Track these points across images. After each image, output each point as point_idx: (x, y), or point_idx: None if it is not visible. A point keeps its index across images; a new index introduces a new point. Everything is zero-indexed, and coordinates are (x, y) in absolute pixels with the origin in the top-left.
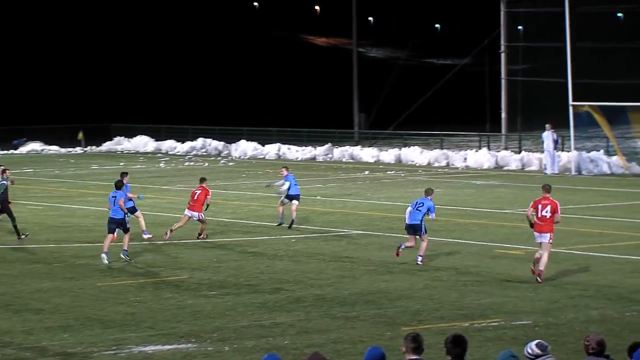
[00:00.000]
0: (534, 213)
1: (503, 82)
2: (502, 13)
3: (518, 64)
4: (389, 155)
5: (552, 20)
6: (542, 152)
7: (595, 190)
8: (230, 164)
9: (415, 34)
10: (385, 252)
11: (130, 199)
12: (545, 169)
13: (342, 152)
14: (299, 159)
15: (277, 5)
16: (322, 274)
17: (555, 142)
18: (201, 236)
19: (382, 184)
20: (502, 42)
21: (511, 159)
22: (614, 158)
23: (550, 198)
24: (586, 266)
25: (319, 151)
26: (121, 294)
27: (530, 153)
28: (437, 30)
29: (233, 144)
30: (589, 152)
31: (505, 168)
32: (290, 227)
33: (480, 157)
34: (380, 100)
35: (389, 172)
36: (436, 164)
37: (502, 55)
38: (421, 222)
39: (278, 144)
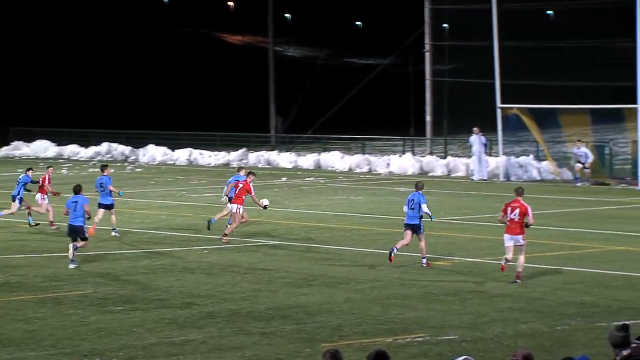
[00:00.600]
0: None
1: (428, 83)
2: (426, 10)
3: (444, 64)
4: (307, 160)
5: (479, 18)
6: (470, 157)
7: (525, 197)
8: (138, 170)
9: (335, 32)
10: (304, 263)
11: (111, 195)
12: (473, 174)
13: (257, 158)
14: (212, 165)
15: (187, 1)
16: (236, 287)
17: (485, 146)
18: (225, 238)
19: (301, 191)
20: (427, 40)
21: (437, 165)
22: (544, 163)
23: (521, 201)
24: (515, 277)
25: (233, 156)
26: (19, 310)
27: (456, 158)
28: (358, 28)
29: (141, 149)
30: (518, 157)
31: (431, 174)
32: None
33: (404, 163)
34: (299, 102)
35: (307, 179)
36: (358, 170)
37: (427, 55)
38: (420, 221)
39: (189, 149)
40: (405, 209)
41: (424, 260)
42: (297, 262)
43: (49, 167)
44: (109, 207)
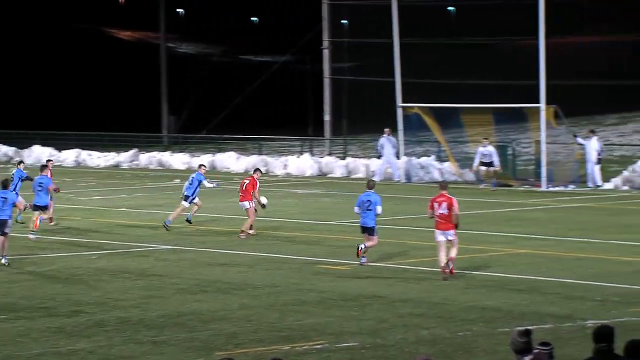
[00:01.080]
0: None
1: (326, 81)
2: (324, 6)
3: (343, 61)
4: (201, 161)
5: (379, 14)
6: (371, 158)
7: (427, 199)
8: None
9: (231, 28)
10: (198, 268)
11: (48, 195)
12: (375, 175)
13: (149, 159)
14: (101, 166)
15: None
16: (126, 294)
17: (395, 147)
18: (249, 232)
19: None
20: (325, 37)
21: (336, 166)
22: (446, 164)
23: (447, 195)
24: (417, 281)
25: (123, 157)
26: None
27: (356, 159)
28: (254, 24)
29: (25, 150)
30: (419, 157)
31: (330, 175)
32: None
33: (302, 164)
34: (192, 101)
35: None
36: None
37: (325, 52)
38: (375, 223)
39: (77, 150)
40: (356, 210)
41: (364, 259)
42: (191, 267)
43: (48, 160)
44: (43, 208)
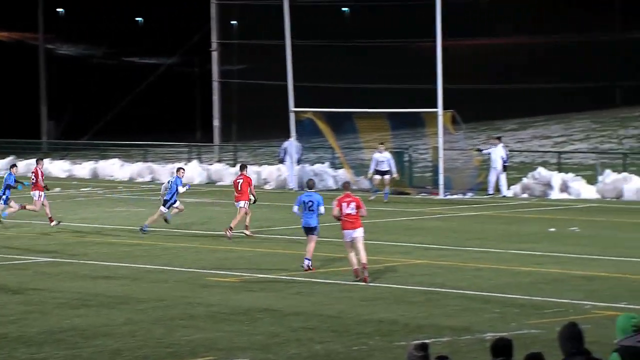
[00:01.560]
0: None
1: (215, 84)
2: (213, 5)
3: (232, 64)
4: (83, 169)
5: (270, 15)
6: (262, 165)
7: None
8: None
9: (114, 29)
10: (79, 282)
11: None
12: (292, 185)
13: (27, 166)
14: None
15: None
16: (3, 309)
17: (297, 153)
18: (246, 232)
19: (77, 202)
20: (214, 38)
21: (226, 173)
22: (341, 171)
23: (352, 195)
24: (310, 294)
25: (0, 165)
26: None
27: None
28: (139, 24)
29: None
30: (312, 165)
31: (219, 184)
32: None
33: (190, 171)
34: (72, 105)
35: (83, 189)
36: (139, 179)
37: (214, 54)
38: (318, 222)
39: None
40: (295, 209)
41: (307, 262)
42: (72, 280)
43: (38, 159)
44: None
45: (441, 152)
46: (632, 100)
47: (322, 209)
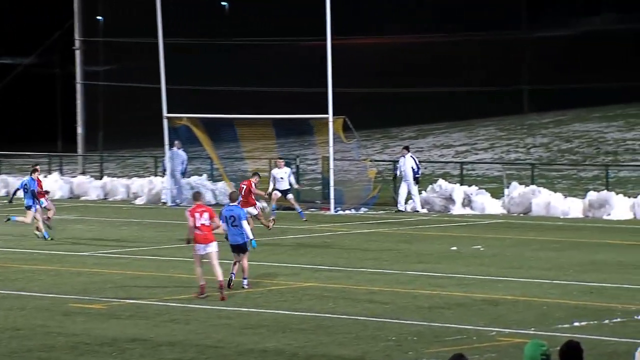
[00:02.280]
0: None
1: (79, 87)
2: None
3: (98, 64)
4: None
5: (141, 9)
6: (132, 177)
7: None
8: None
9: None
10: None
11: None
12: (175, 199)
13: None
14: None
15: None
16: None
17: (182, 163)
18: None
19: None
20: (77, 35)
21: (91, 187)
22: (220, 185)
23: (204, 205)
24: (186, 322)
25: None
26: None
27: (115, 179)
28: None
29: None
30: (189, 177)
31: (84, 198)
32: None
33: (51, 185)
34: None
35: None
36: None
37: (77, 53)
38: (246, 238)
39: None
40: (223, 226)
41: (245, 282)
42: None
43: (35, 166)
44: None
45: (332, 163)
46: (540, 106)
47: (245, 224)
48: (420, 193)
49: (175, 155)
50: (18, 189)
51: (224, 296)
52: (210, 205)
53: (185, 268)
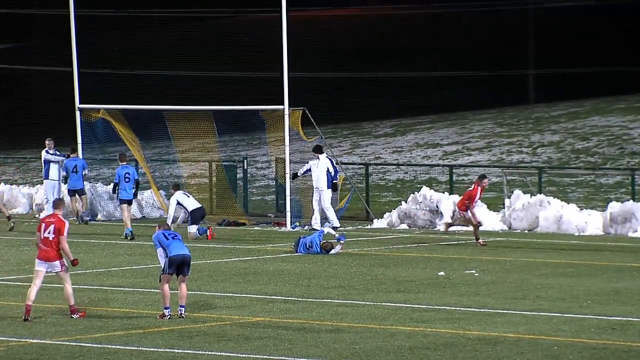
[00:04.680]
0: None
1: None
2: None
3: None
4: None
5: None
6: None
7: (118, 244)
8: None
9: None
10: None
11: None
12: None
13: None
14: None
15: None
16: None
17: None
18: None
19: None
20: None
21: None
22: (147, 194)
23: (59, 216)
24: None
25: None
26: None
27: (14, 187)
28: None
29: None
30: (108, 184)
31: None
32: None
33: None
34: None
35: None
36: None
37: None
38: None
39: None
40: (170, 246)
41: (183, 310)
42: None
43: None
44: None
45: (288, 166)
46: (550, 95)
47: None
48: (398, 205)
49: (52, 156)
50: None
51: (83, 315)
52: (134, 220)
53: (104, 299)
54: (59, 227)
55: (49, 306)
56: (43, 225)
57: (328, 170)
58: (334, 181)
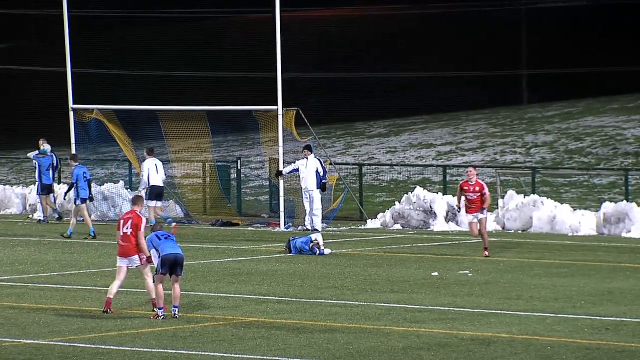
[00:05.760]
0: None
1: None
2: None
3: None
4: None
5: None
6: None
7: (111, 244)
8: None
9: None
10: None
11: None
12: (43, 217)
13: None
14: None
15: None
16: None
17: (55, 168)
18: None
19: None
20: None
21: None
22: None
23: (137, 212)
24: None
25: None
26: None
27: (7, 187)
28: None
29: None
30: (102, 184)
31: None
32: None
33: None
34: None
35: None
36: None
37: None
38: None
39: None
40: (160, 250)
41: (176, 310)
42: None
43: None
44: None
45: (282, 167)
46: (543, 95)
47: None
48: (391, 205)
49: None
50: None
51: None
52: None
53: (97, 299)
54: (136, 223)
55: (42, 306)
56: (122, 221)
57: (317, 170)
58: (323, 181)
